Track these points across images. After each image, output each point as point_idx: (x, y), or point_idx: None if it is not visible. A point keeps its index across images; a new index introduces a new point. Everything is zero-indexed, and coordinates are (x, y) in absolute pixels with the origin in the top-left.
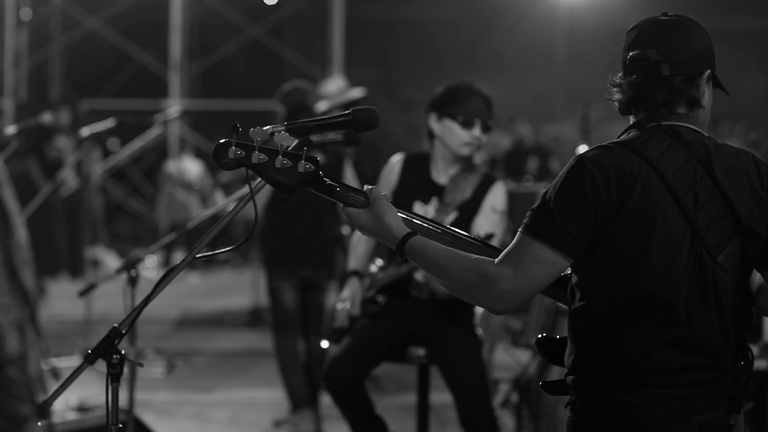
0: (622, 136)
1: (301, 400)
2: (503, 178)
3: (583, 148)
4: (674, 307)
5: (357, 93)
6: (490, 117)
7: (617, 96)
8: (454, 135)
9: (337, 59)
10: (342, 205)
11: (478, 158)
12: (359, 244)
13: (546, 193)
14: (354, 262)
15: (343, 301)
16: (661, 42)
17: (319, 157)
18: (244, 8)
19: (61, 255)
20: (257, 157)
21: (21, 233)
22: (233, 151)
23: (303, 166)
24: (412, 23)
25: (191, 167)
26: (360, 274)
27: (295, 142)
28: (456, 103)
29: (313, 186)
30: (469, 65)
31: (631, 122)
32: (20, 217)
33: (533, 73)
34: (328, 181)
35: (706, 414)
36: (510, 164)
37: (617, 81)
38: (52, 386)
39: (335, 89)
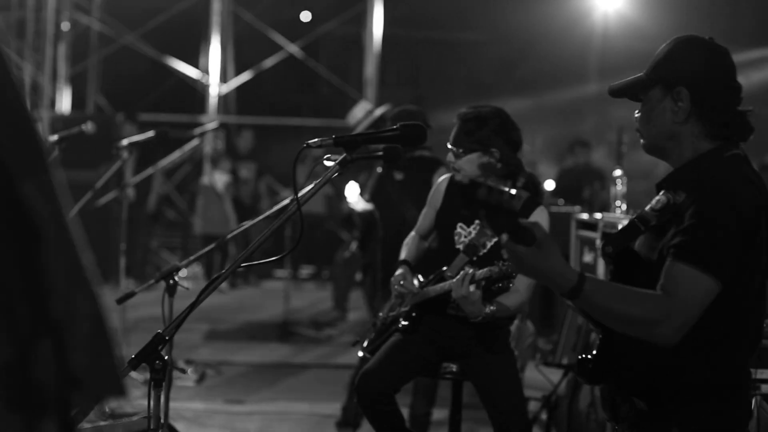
0: (719, 166)
1: (349, 421)
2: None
3: (618, 173)
4: (764, 326)
5: (380, 111)
6: (460, 143)
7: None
8: None
9: (371, 79)
10: (506, 239)
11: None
12: (411, 243)
13: (699, 223)
14: (405, 254)
15: (396, 281)
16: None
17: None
18: (280, 26)
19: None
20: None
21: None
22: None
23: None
24: (445, 45)
25: (219, 178)
26: (409, 264)
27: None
28: None
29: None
30: (500, 88)
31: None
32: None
33: (565, 99)
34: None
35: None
36: (561, 187)
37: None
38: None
39: (362, 113)
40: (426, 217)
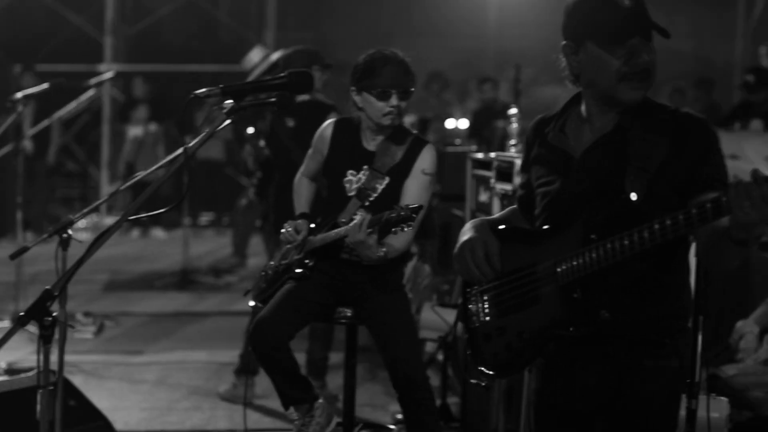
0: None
1: (246, 368)
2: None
3: (513, 111)
4: None
5: (276, 55)
6: (407, 84)
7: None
8: (374, 107)
9: (271, 22)
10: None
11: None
12: (301, 189)
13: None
14: (300, 206)
15: (288, 229)
16: None
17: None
18: None
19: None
20: None
21: None
22: None
23: None
24: None
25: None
26: (307, 216)
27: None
28: (371, 76)
29: None
30: (401, 28)
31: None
32: None
33: (464, 37)
34: None
35: None
36: (476, 126)
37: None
38: None
39: (259, 58)
40: (313, 159)
